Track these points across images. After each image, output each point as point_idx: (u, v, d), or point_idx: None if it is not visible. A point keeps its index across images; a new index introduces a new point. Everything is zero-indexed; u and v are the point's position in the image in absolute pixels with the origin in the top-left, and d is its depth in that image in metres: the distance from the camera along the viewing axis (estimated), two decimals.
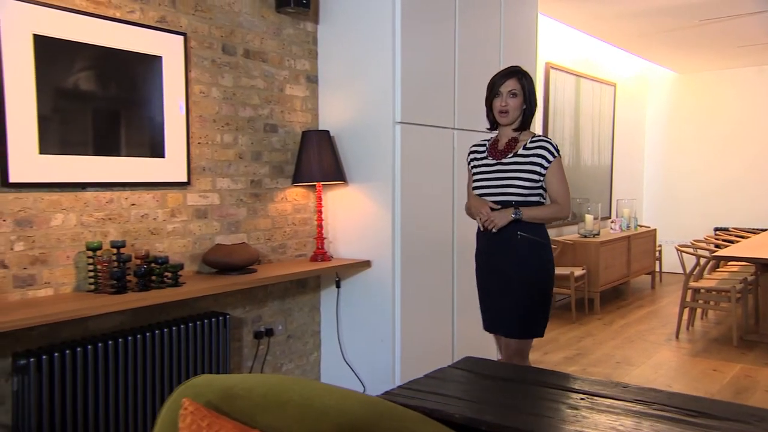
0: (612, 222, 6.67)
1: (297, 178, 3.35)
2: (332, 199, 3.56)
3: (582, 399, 1.39)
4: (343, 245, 3.51)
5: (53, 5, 2.36)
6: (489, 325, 2.79)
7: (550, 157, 2.62)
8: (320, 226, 3.42)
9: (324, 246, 3.44)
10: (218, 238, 3.06)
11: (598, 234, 6.11)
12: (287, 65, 3.38)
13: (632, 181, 8.00)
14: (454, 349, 3.77)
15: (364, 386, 3.45)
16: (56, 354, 2.26)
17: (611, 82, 7.12)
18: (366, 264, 3.43)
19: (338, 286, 3.55)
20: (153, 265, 2.59)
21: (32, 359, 2.20)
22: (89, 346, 2.36)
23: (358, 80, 3.44)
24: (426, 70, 3.49)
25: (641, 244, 6.68)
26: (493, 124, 2.77)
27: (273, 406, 1.35)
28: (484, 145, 2.79)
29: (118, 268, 2.46)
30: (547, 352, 4.50)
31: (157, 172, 2.76)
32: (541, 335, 2.70)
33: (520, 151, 2.64)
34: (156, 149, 2.75)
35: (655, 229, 7.15)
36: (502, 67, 4.08)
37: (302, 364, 3.55)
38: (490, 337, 4.13)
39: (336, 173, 3.36)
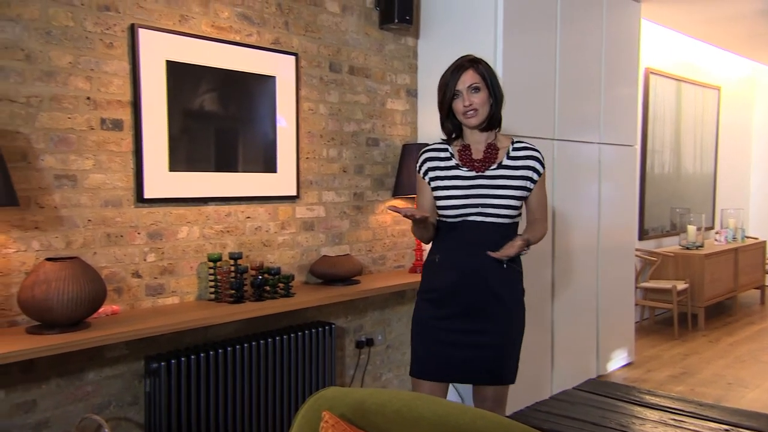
0: (717, 233, 6.31)
1: (397, 191, 3.41)
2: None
3: (726, 430, 1.33)
4: None
5: (183, 33, 2.54)
6: (453, 376, 2.19)
7: (541, 170, 2.17)
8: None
9: (422, 257, 3.47)
10: (323, 249, 3.16)
11: (701, 246, 5.80)
12: (388, 80, 3.45)
13: (738, 190, 7.53)
14: (553, 361, 3.69)
15: (462, 398, 3.45)
16: (183, 359, 2.41)
17: (715, 86, 6.76)
18: None
19: None
20: (267, 275, 2.71)
21: (163, 363, 2.36)
22: (211, 352, 2.50)
23: None
24: (526, 81, 3.46)
25: (749, 257, 6.28)
26: (451, 134, 2.22)
27: (407, 423, 1.39)
28: (446, 150, 2.20)
29: (237, 279, 2.60)
30: (650, 369, 4.32)
31: (269, 186, 2.89)
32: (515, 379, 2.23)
33: (506, 161, 2.15)
34: (269, 165, 2.88)
35: (764, 241, 6.70)
36: (603, 78, 4.02)
37: (400, 374, 3.59)
38: (586, 354, 4.04)
39: None
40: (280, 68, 2.88)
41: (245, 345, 2.62)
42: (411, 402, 1.44)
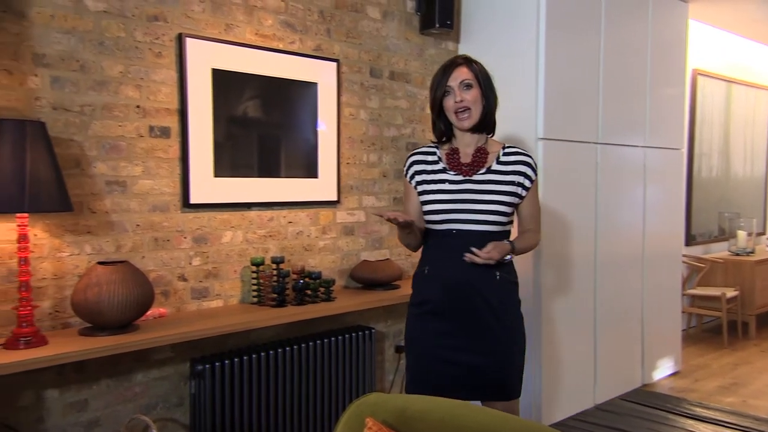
0: None
1: None
2: None
3: None
4: None
5: (229, 41, 2.59)
6: (452, 394, 1.95)
7: (533, 176, 2.08)
8: None
9: None
10: (363, 254, 3.17)
11: (752, 252, 5.60)
12: (429, 85, 3.44)
13: None
14: (596, 368, 3.62)
15: None
16: (226, 361, 2.46)
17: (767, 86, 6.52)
18: None
19: None
20: (308, 279, 2.74)
21: (207, 366, 2.40)
22: (254, 356, 2.54)
23: (499, 97, 3.41)
24: (569, 84, 3.41)
25: None
26: (442, 137, 2.14)
27: None
28: (434, 153, 2.13)
29: (279, 283, 2.63)
30: (698, 379, 4.19)
31: (311, 191, 2.92)
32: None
33: (495, 166, 2.06)
34: (310, 170, 2.92)
35: None
36: (649, 79, 3.92)
37: None
38: (630, 362, 3.94)
39: None
40: (322, 74, 2.91)
41: (287, 348, 2.65)
42: (454, 410, 1.44)
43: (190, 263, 2.54)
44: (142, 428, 2.33)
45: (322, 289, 2.76)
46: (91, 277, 2.07)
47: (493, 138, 2.16)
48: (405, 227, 2.01)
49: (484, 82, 2.05)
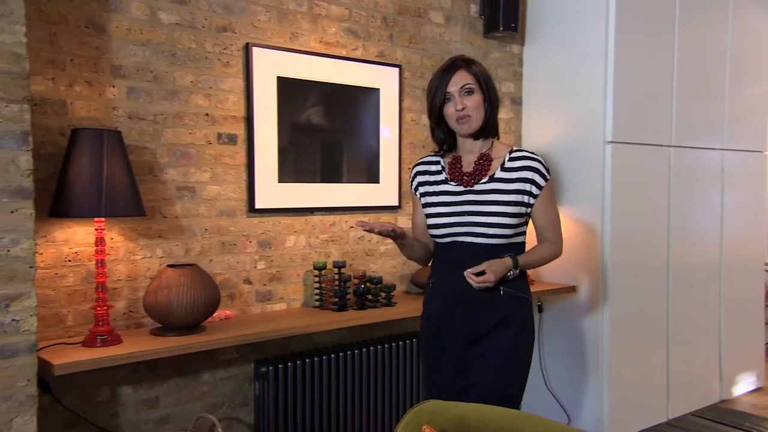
0: None
1: None
2: None
3: None
4: (547, 269, 3.41)
5: (293, 49, 2.65)
6: None
7: (542, 182, 1.94)
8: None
9: None
10: None
11: None
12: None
13: None
14: (669, 382, 3.45)
15: (569, 417, 3.31)
16: (289, 364, 2.50)
17: None
18: (571, 289, 3.30)
19: (540, 311, 3.45)
20: (369, 284, 2.75)
21: (271, 367, 2.46)
22: (315, 358, 2.58)
23: (566, 100, 3.35)
24: (640, 85, 3.29)
25: None
26: (443, 145, 2.03)
27: None
28: (438, 163, 2.05)
29: (340, 287, 2.66)
30: None
31: (372, 196, 2.94)
32: None
33: (498, 173, 1.94)
34: (372, 175, 2.93)
35: None
36: (728, 78, 3.72)
37: None
38: (707, 376, 3.74)
39: None
40: (384, 80, 2.93)
41: (347, 352, 2.68)
42: (514, 420, 1.41)
43: (255, 267, 2.61)
44: (209, 427, 2.41)
45: (382, 294, 2.76)
46: (162, 279, 2.16)
47: (501, 141, 2.05)
48: (396, 238, 1.94)
49: (486, 85, 1.94)
